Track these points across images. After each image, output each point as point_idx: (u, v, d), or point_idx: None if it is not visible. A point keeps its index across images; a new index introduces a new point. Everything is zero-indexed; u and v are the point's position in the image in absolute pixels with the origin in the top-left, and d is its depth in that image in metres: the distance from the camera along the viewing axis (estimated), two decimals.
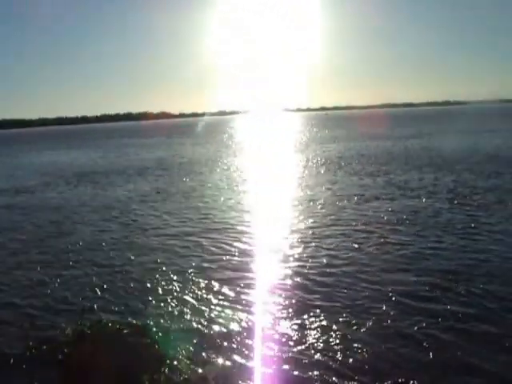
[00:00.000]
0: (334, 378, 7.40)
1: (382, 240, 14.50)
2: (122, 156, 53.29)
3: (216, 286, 11.47)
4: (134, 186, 28.96)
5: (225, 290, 11.21)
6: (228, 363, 7.90)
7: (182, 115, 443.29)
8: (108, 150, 63.76)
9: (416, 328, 8.84)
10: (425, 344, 8.24)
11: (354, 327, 9.01)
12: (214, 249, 14.60)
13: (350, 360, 7.88)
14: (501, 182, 23.49)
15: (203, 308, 10.24)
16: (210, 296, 10.89)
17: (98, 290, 11.61)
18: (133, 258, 14.12)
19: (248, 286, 11.35)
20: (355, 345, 8.35)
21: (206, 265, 13.09)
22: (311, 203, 20.83)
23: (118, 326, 8.86)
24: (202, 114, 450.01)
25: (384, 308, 9.74)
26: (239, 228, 16.95)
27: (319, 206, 20.07)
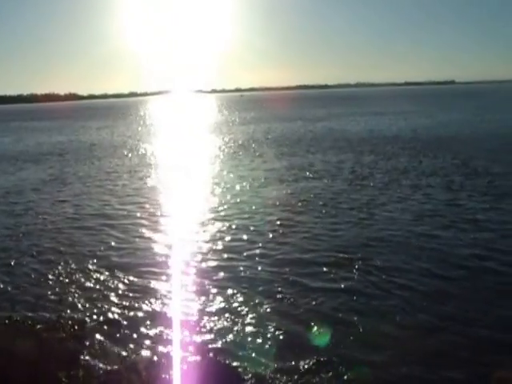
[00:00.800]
0: (243, 358, 7.37)
1: (283, 223, 14.42)
2: (19, 141, 49.63)
3: (122, 274, 11.00)
4: (27, 174, 26.91)
5: (132, 277, 10.76)
6: (148, 350, 7.60)
7: (91, 97, 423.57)
8: (4, 135, 59.18)
9: (313, 307, 8.90)
10: (320, 323, 8.24)
11: (255, 308, 9.00)
12: (114, 237, 13.97)
13: (252, 338, 7.92)
14: (396, 163, 24.36)
15: (115, 297, 9.79)
16: (120, 285, 10.42)
17: (1, 287, 10.67)
18: (31, 250, 13.11)
19: (155, 273, 10.98)
20: (255, 325, 8.40)
21: (109, 253, 12.51)
22: (214, 187, 20.39)
23: (29, 322, 8.05)
24: (113, 96, 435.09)
25: (282, 289, 9.74)
26: (139, 215, 16.23)
27: (222, 190, 19.68)
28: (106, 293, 10.02)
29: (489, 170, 21.46)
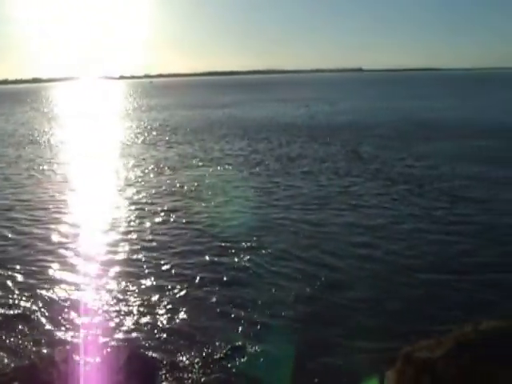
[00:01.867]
0: (156, 348, 7.36)
1: (172, 213, 14.27)
2: None
3: (25, 268, 10.52)
4: None
5: (35, 271, 10.35)
6: (61, 344, 7.36)
7: None
8: None
9: (204, 298, 8.89)
10: (216, 314, 8.32)
11: (154, 299, 8.95)
12: (7, 233, 13.10)
13: (161, 329, 7.94)
14: (290, 150, 24.89)
15: (22, 291, 9.38)
16: (25, 279, 9.97)
17: None
18: None
19: (59, 263, 10.68)
20: (161, 316, 8.35)
21: (7, 248, 11.84)
22: (103, 178, 19.84)
23: None
24: (14, 82, 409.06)
25: (171, 280, 9.69)
26: (40, 207, 15.49)
27: (117, 181, 19.15)
28: (12, 287, 9.63)
29: (377, 156, 22.53)
